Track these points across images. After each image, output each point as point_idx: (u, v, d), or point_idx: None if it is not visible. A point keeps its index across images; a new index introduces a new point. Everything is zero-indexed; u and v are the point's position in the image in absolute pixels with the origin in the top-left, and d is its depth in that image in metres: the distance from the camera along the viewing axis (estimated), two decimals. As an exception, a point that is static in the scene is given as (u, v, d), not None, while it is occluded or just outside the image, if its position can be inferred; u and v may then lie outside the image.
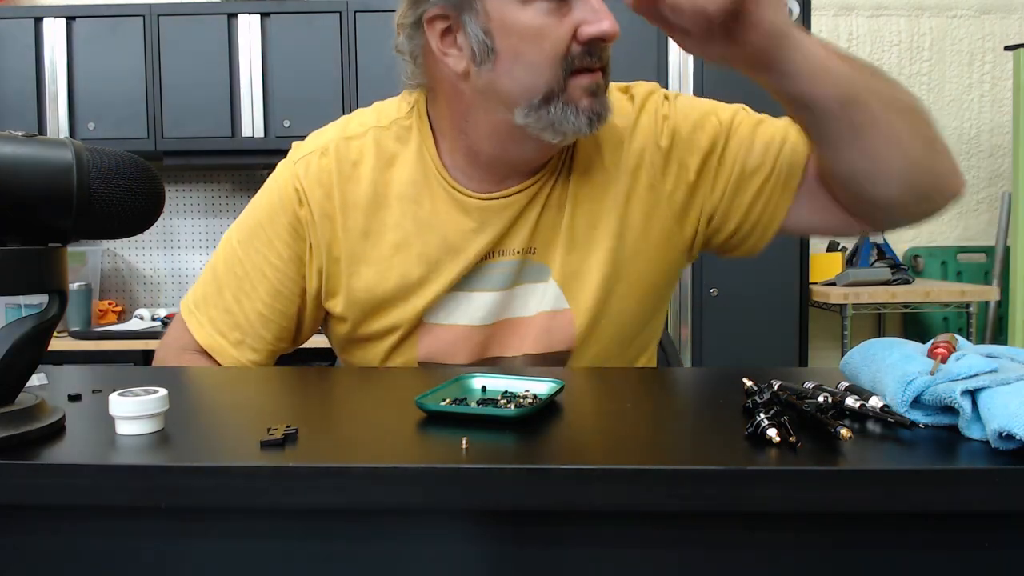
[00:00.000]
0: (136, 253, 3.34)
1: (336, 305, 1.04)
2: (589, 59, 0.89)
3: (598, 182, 1.02)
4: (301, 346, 1.14)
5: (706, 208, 1.04)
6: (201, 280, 1.09)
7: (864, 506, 0.53)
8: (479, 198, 1.00)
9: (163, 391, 0.63)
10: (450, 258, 1.00)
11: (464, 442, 0.59)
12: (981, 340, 3.24)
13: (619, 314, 1.04)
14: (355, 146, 1.02)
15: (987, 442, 0.56)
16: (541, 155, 1.00)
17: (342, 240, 1.02)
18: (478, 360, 1.04)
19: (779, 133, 1.02)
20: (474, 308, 1.02)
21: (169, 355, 1.08)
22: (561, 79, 0.89)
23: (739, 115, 1.04)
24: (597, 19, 0.87)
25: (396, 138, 1.03)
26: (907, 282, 2.96)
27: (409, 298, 1.02)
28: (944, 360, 0.63)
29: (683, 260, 1.08)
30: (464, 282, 1.02)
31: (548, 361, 1.03)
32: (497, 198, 1.00)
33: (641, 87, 1.07)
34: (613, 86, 1.01)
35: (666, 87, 1.11)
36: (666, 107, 1.05)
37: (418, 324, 1.02)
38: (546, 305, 1.02)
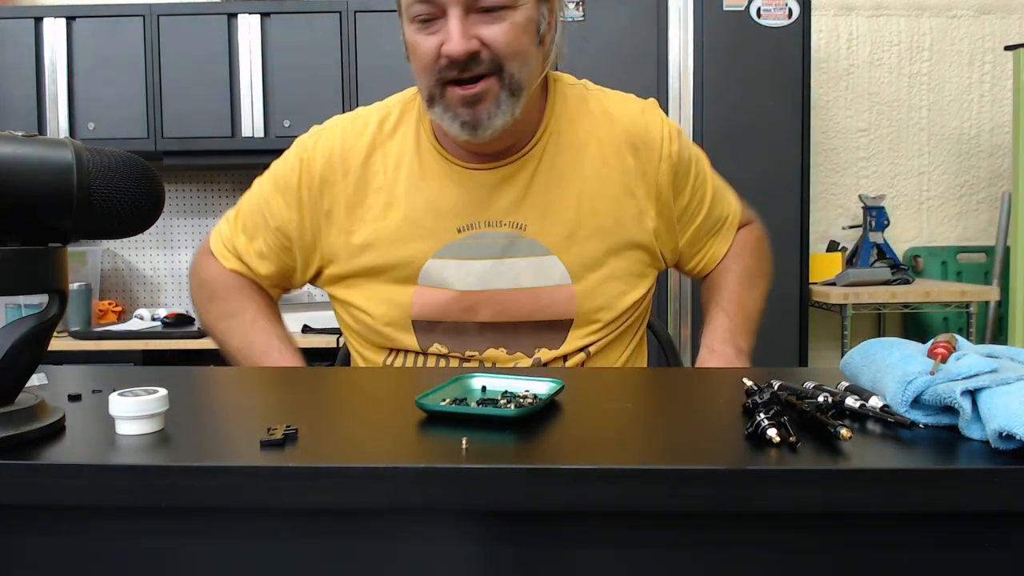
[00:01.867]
0: (136, 253, 3.34)
1: (336, 266, 1.14)
2: (452, 72, 1.00)
3: (591, 159, 1.13)
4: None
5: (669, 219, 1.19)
6: (237, 208, 1.23)
7: (864, 506, 0.53)
8: (465, 166, 1.11)
9: (163, 391, 0.63)
10: (439, 222, 1.10)
11: (464, 442, 0.59)
12: (981, 340, 3.24)
13: (613, 287, 1.13)
14: (361, 118, 1.15)
15: (987, 442, 0.56)
16: (486, 145, 1.08)
17: (341, 202, 1.12)
18: (472, 322, 1.11)
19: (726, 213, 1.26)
20: (464, 274, 1.10)
21: (203, 272, 1.25)
22: (436, 86, 1.02)
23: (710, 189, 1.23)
24: (448, 40, 0.99)
25: (400, 112, 1.15)
26: (907, 282, 2.96)
27: (403, 258, 1.10)
28: (944, 360, 0.63)
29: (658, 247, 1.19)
30: (456, 249, 1.10)
31: (547, 329, 1.12)
32: (484, 168, 1.10)
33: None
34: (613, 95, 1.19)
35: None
36: (671, 128, 1.18)
37: (412, 286, 1.11)
38: (544, 279, 1.11)
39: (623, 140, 1.14)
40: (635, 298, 1.16)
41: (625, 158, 1.13)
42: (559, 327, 1.13)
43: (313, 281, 1.20)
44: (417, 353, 1.14)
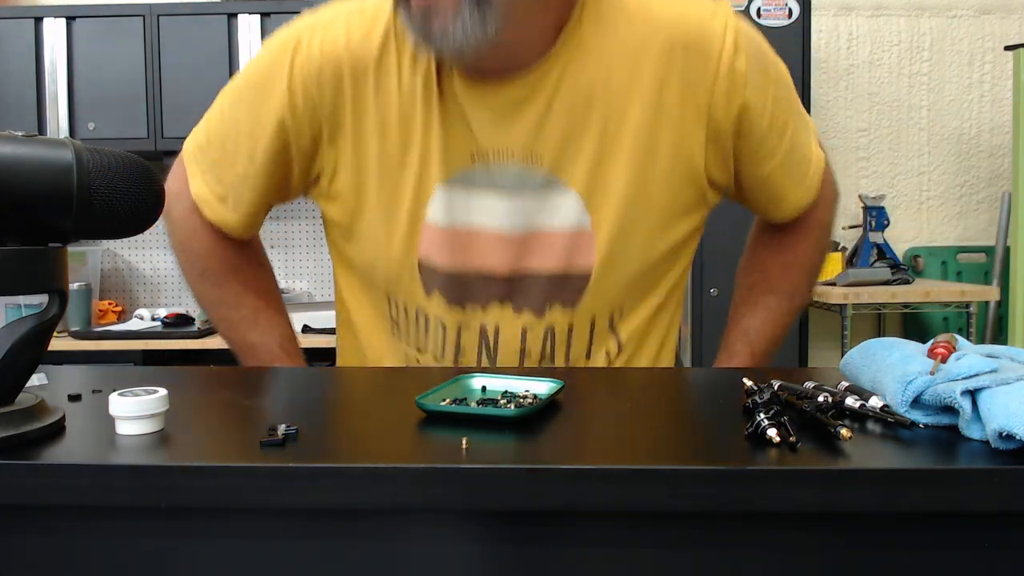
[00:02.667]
0: (136, 253, 3.34)
1: (337, 183, 0.99)
2: None
3: (620, 71, 0.92)
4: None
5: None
6: (205, 119, 1.06)
7: (864, 506, 0.53)
8: (473, 86, 0.93)
9: (163, 391, 0.63)
10: (454, 145, 0.94)
11: (464, 442, 0.59)
12: (981, 340, 3.24)
13: (642, 240, 0.96)
14: (368, 13, 0.97)
15: (987, 442, 0.56)
16: (482, 63, 0.90)
17: (347, 108, 0.96)
18: (475, 270, 0.97)
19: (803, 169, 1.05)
20: (472, 211, 0.95)
21: (173, 205, 1.06)
22: None
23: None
24: None
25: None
26: (907, 282, 2.96)
27: (411, 185, 0.95)
28: (944, 360, 0.63)
29: (705, 191, 1.00)
30: (468, 179, 0.95)
31: (564, 285, 0.97)
32: (495, 87, 0.92)
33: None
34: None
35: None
36: (738, 35, 0.94)
37: (419, 221, 0.96)
38: (565, 220, 0.95)
39: (663, 44, 0.91)
40: (671, 243, 0.98)
41: (665, 66, 0.92)
42: (576, 281, 0.96)
43: (307, 192, 1.04)
44: (418, 311, 1.00)
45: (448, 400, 0.68)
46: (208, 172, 1.05)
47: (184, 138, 1.11)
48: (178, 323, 2.91)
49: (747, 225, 1.19)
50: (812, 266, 1.16)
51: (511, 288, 0.97)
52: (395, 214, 0.97)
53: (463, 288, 0.98)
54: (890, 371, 0.64)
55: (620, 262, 0.96)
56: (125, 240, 3.23)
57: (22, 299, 2.39)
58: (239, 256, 1.11)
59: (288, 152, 0.99)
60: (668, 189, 0.95)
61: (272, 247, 3.24)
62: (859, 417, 0.64)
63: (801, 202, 1.06)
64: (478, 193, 0.95)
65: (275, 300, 1.14)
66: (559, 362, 1.00)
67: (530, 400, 0.68)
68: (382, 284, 1.02)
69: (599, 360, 1.02)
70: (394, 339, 1.06)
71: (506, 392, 0.72)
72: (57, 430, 0.62)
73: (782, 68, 1.02)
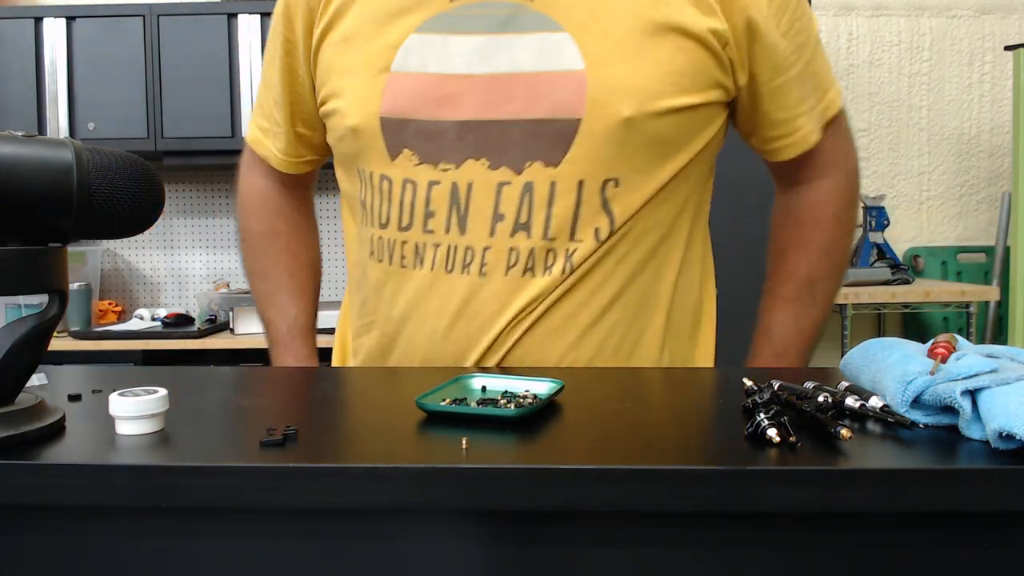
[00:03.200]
0: (136, 253, 3.34)
1: (322, 59, 0.97)
2: None
3: None
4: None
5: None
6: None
7: (864, 506, 0.53)
8: None
9: (163, 391, 0.63)
10: None
11: (464, 442, 0.59)
12: (981, 340, 3.24)
13: (640, 89, 0.86)
14: None
15: (987, 442, 0.56)
16: None
17: None
18: (448, 120, 0.88)
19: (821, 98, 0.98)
20: (448, 54, 0.88)
21: (240, 175, 1.17)
22: None
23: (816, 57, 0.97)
24: None
25: None
26: (907, 282, 2.96)
27: (385, 38, 0.90)
28: (944, 360, 0.63)
29: (720, 83, 0.92)
30: (445, 21, 0.88)
31: (547, 134, 0.87)
32: None
33: None
34: None
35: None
36: None
37: (385, 72, 0.90)
38: (553, 62, 0.86)
39: None
40: (677, 104, 0.87)
41: None
42: (561, 131, 0.86)
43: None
44: (382, 177, 0.93)
45: (448, 400, 0.68)
46: (257, 113, 1.11)
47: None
48: (178, 323, 2.91)
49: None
50: (832, 248, 1.05)
51: (488, 140, 0.87)
52: (363, 75, 0.91)
53: (435, 143, 0.89)
54: (890, 371, 0.64)
55: (612, 110, 0.85)
56: (125, 240, 3.23)
57: (22, 299, 2.39)
58: (282, 218, 1.13)
59: (294, 56, 1.01)
60: (671, 41, 0.87)
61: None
62: (859, 417, 0.64)
63: (812, 136, 0.98)
64: (456, 36, 0.88)
65: (303, 279, 1.14)
66: (536, 233, 0.88)
67: (530, 400, 0.68)
68: (353, 160, 0.97)
69: (586, 238, 0.89)
70: (363, 230, 0.99)
71: (506, 392, 0.72)
72: (57, 430, 0.62)
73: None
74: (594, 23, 0.86)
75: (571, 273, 0.89)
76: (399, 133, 0.90)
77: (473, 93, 0.87)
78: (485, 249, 0.89)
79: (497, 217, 0.89)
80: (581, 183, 0.87)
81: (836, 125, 1.02)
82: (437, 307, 0.92)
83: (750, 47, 0.91)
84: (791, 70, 0.94)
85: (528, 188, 0.87)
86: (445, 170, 0.89)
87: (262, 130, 1.10)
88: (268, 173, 1.13)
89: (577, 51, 0.85)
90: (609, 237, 0.90)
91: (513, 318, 0.90)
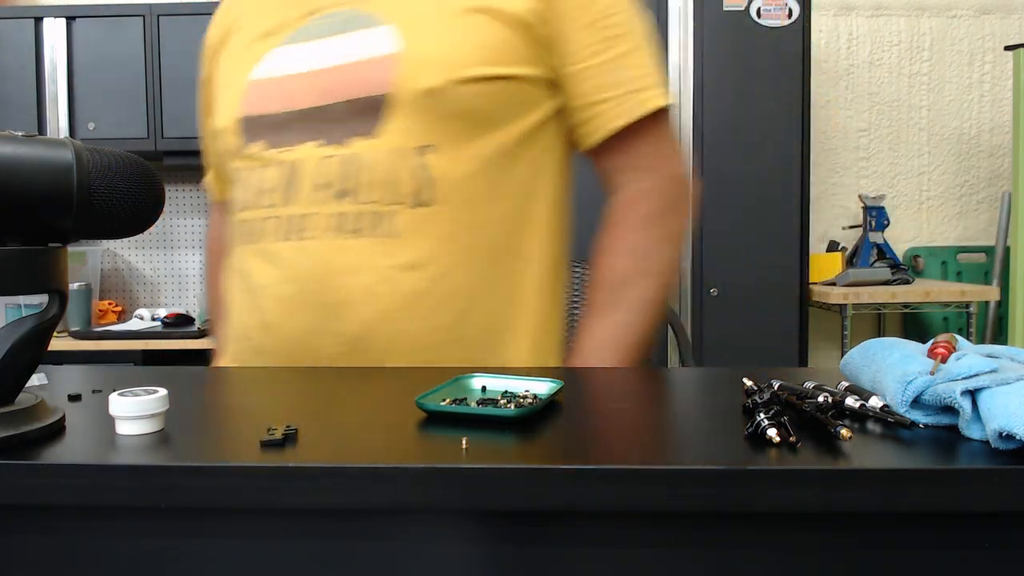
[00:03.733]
0: (136, 253, 3.34)
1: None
2: None
3: None
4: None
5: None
6: None
7: (864, 506, 0.53)
8: None
9: (163, 391, 0.63)
10: (291, 9, 1.05)
11: (464, 442, 0.59)
12: (981, 340, 3.24)
13: (447, 59, 0.95)
14: None
15: (987, 442, 0.56)
16: None
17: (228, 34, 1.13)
18: (290, 111, 1.00)
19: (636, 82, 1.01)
20: (294, 59, 1.02)
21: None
22: None
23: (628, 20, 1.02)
24: None
25: None
26: (907, 282, 2.96)
27: (244, 60, 1.06)
28: (944, 360, 0.63)
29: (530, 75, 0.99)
30: (300, 33, 1.03)
31: (363, 109, 0.96)
32: None
33: None
34: None
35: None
36: None
37: (246, 82, 1.05)
38: (374, 49, 0.97)
39: None
40: (484, 73, 0.94)
41: None
42: (373, 105, 0.95)
43: None
44: (239, 169, 1.05)
45: (448, 400, 0.68)
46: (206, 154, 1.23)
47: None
48: (178, 323, 2.91)
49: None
50: (639, 251, 1.03)
51: (320, 123, 0.98)
52: (231, 88, 1.07)
53: (281, 132, 1.00)
54: (890, 371, 0.64)
55: (416, 82, 0.94)
56: (125, 240, 3.23)
57: (22, 299, 2.39)
58: (213, 263, 1.25)
59: (208, 92, 1.15)
60: (480, 19, 0.95)
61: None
62: (859, 417, 0.64)
63: (609, 125, 1.01)
64: (304, 44, 1.02)
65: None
66: (360, 198, 0.96)
67: (530, 400, 0.68)
68: (225, 164, 1.10)
69: (406, 201, 0.96)
70: (231, 222, 1.11)
71: (506, 392, 0.72)
72: (57, 430, 0.62)
73: None
74: (411, 13, 0.97)
75: (394, 236, 0.96)
76: (254, 129, 1.03)
77: (310, 87, 0.99)
78: (314, 215, 0.97)
79: (324, 186, 0.98)
80: (398, 150, 0.95)
81: (655, 127, 1.03)
82: (280, 274, 0.99)
83: (560, 29, 0.98)
84: (592, 59, 0.99)
85: (351, 160, 0.96)
86: (285, 152, 1.00)
87: (206, 164, 1.23)
88: (216, 206, 1.27)
89: (397, 39, 0.96)
90: (433, 203, 0.96)
91: (341, 278, 0.96)
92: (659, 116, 1.03)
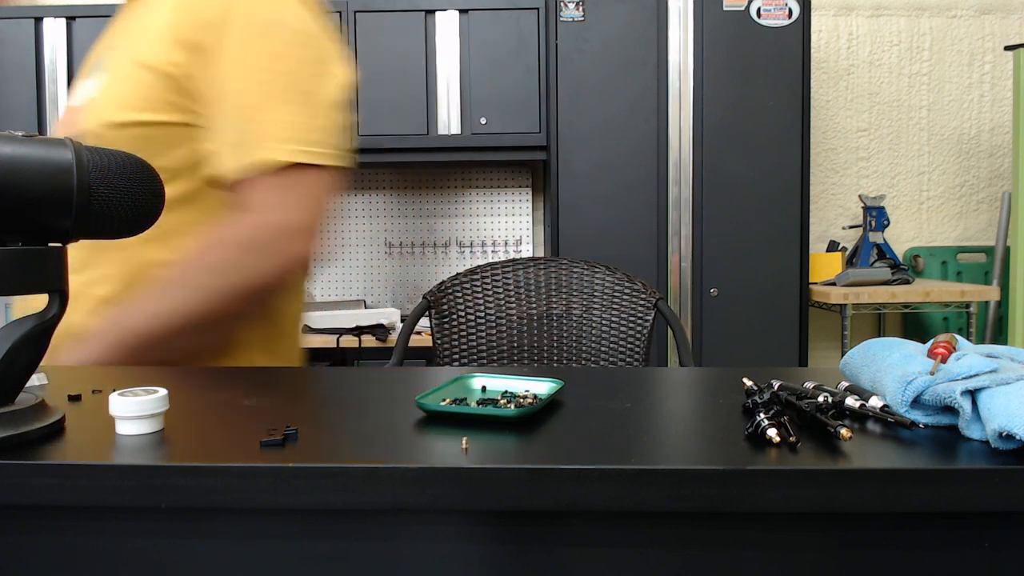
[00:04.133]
0: (136, 253, 3.34)
1: None
2: None
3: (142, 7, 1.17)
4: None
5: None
6: None
7: (864, 506, 0.53)
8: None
9: (163, 391, 0.63)
10: (98, 47, 1.23)
11: (464, 442, 0.59)
12: (981, 340, 3.24)
13: (111, 99, 1.11)
14: None
15: (987, 442, 0.56)
16: None
17: None
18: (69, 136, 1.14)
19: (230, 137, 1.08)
20: (76, 92, 1.20)
21: None
22: None
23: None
24: None
25: None
26: (907, 282, 2.96)
27: (73, 89, 1.23)
28: (944, 360, 0.63)
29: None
30: (88, 71, 1.20)
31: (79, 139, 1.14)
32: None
33: None
34: None
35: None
36: None
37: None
38: (90, 94, 1.16)
39: None
40: (128, 119, 1.07)
41: None
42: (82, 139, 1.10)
43: None
44: None
45: (448, 400, 0.68)
46: None
47: None
48: (178, 323, 2.90)
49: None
50: (190, 262, 1.08)
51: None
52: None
53: None
54: (890, 371, 0.64)
55: (81, 125, 1.11)
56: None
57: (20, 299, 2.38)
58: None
59: None
60: (138, 73, 1.09)
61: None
62: (859, 417, 0.64)
63: (222, 167, 1.08)
64: (83, 80, 1.19)
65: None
66: None
67: (530, 400, 0.68)
68: None
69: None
70: None
71: (506, 392, 0.72)
72: (57, 430, 0.62)
73: (279, 35, 1.11)
74: (113, 65, 1.14)
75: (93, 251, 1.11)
76: None
77: (72, 118, 1.17)
78: None
79: None
80: None
81: (276, 180, 1.07)
82: None
83: (207, 82, 1.09)
84: (224, 112, 1.08)
85: None
86: None
87: None
88: None
89: (100, 86, 1.13)
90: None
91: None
92: (285, 170, 1.07)
